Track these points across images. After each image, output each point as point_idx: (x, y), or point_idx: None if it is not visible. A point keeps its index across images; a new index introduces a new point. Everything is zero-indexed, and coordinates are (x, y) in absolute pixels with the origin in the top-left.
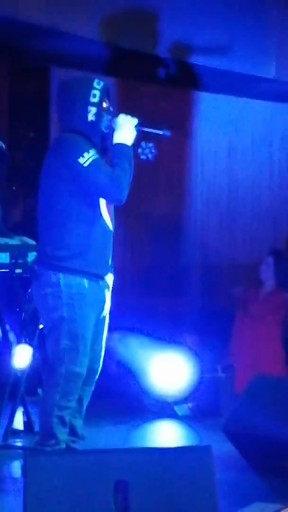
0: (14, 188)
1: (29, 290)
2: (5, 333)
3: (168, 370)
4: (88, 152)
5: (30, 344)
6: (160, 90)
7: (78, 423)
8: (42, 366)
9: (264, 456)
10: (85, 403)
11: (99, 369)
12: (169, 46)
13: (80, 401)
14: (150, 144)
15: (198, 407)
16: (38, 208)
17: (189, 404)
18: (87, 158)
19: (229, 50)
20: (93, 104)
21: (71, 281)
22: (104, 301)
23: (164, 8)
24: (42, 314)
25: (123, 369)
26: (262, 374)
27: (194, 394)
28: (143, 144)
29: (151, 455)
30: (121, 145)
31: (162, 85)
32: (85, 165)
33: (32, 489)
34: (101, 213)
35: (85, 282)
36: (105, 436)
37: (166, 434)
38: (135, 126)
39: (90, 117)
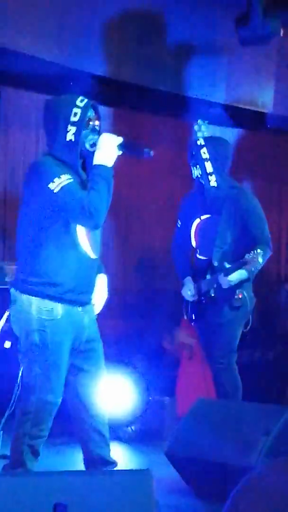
0: None
1: None
2: None
3: (112, 392)
4: (59, 177)
5: None
6: (115, 111)
7: (106, 452)
8: None
9: (205, 479)
10: (105, 431)
11: None
12: (124, 68)
13: (97, 430)
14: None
15: (141, 430)
16: (17, 232)
17: (132, 427)
18: (58, 183)
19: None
20: (73, 123)
21: (43, 307)
22: (84, 327)
23: (119, 28)
24: (18, 338)
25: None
26: (204, 398)
27: (140, 417)
28: (200, 121)
29: (91, 478)
30: (100, 167)
31: (116, 107)
32: (55, 191)
33: None
34: (77, 241)
35: (59, 308)
36: (45, 458)
37: None
38: (118, 146)
39: (69, 136)
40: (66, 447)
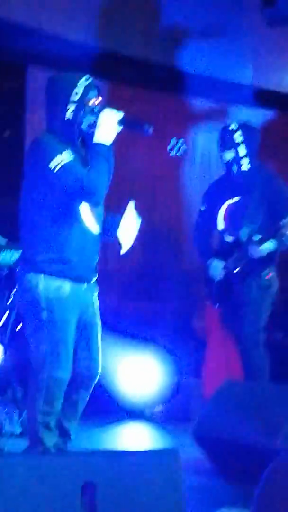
0: None
1: None
2: None
3: (139, 372)
4: (60, 154)
5: (1, 343)
6: (141, 93)
7: (72, 426)
8: (12, 366)
9: (232, 460)
10: (81, 406)
11: (97, 374)
12: (152, 49)
13: (74, 404)
14: (181, 140)
15: (168, 411)
16: (20, 211)
17: (159, 407)
18: (58, 162)
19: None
20: (73, 102)
21: (50, 284)
22: (88, 305)
23: (148, 9)
24: (24, 318)
25: None
26: (230, 379)
27: (168, 397)
28: (173, 140)
29: (119, 458)
30: (99, 145)
31: (143, 88)
32: (56, 170)
33: None
34: (80, 217)
35: (66, 285)
36: (73, 438)
37: (135, 437)
38: (119, 121)
39: (68, 115)
40: (95, 427)
